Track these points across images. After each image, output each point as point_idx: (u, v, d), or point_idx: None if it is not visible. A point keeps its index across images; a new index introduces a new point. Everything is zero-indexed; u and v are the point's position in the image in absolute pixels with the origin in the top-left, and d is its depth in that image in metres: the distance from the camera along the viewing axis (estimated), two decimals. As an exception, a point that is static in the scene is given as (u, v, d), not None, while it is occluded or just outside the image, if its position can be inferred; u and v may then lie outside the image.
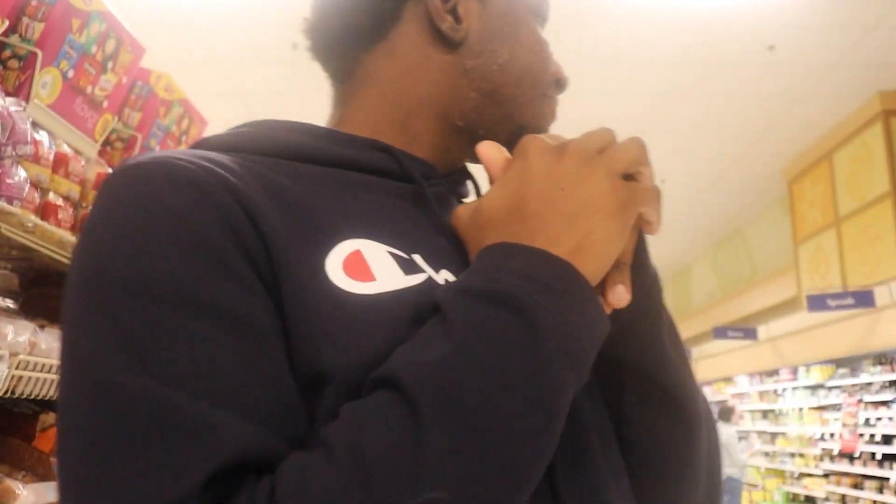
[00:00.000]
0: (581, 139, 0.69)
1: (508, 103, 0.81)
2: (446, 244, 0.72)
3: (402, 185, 0.76)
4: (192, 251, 0.57)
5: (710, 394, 13.17)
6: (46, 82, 1.76)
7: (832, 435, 9.51)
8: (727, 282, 12.87)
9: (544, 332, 0.56)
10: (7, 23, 1.63)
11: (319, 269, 0.62)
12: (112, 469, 0.50)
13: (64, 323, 0.58)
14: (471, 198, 0.87)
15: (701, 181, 9.96)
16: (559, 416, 0.56)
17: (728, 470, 9.32)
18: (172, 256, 0.56)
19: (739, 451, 9.57)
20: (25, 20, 1.70)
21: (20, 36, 1.71)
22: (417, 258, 0.68)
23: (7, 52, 1.71)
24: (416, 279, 0.66)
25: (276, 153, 0.73)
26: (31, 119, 1.66)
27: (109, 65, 1.99)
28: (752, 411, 11.44)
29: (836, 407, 9.57)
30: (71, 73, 1.84)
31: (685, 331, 14.86)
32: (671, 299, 16.22)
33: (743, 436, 11.21)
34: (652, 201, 0.69)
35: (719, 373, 12.99)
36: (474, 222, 0.69)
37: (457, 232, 0.72)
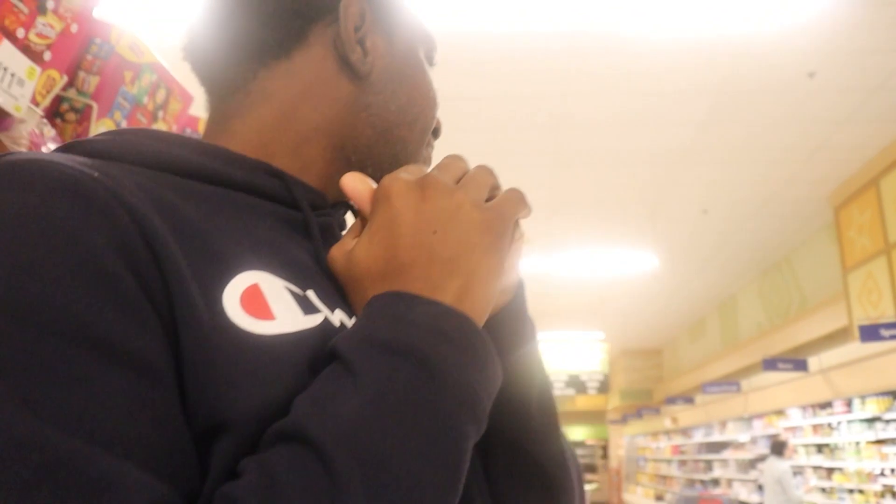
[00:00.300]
0: (438, 172, 0.69)
1: (397, 145, 0.81)
2: (334, 280, 0.70)
3: (290, 213, 0.73)
4: (81, 275, 0.50)
5: (762, 427, 12.86)
6: (102, 133, 1.80)
7: (893, 470, 9.21)
8: (775, 312, 12.64)
9: (449, 387, 0.55)
10: (66, 78, 1.68)
11: (217, 304, 0.56)
12: None
13: None
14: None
15: (745, 210, 9.83)
16: (464, 472, 0.54)
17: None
18: (59, 280, 0.49)
19: (794, 486, 9.31)
20: (82, 74, 1.75)
21: (77, 90, 1.76)
22: (311, 295, 0.65)
23: (65, 106, 1.76)
24: (314, 320, 0.62)
25: (161, 166, 0.66)
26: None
27: (160, 114, 2.03)
28: (805, 445, 11.14)
29: (895, 441, 9.28)
30: (124, 124, 1.88)
31: (733, 363, 14.59)
32: (718, 330, 15.98)
33: (798, 471, 10.90)
34: (520, 205, 0.72)
35: (770, 406, 12.69)
36: (350, 273, 0.67)
37: (335, 275, 0.70)
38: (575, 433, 26.85)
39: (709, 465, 15.95)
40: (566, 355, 18.56)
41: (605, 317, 16.79)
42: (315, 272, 0.68)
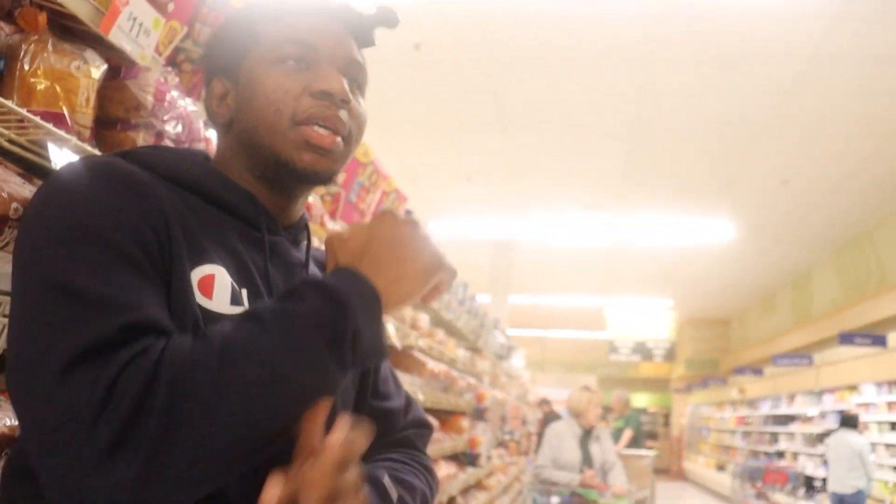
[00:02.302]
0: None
1: (262, 149, 1.06)
2: (266, 289, 1.04)
3: (252, 232, 1.07)
4: (126, 225, 0.89)
5: (832, 402, 12.63)
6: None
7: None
8: (852, 287, 12.33)
9: (326, 327, 0.87)
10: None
11: (187, 277, 0.93)
12: (67, 315, 0.81)
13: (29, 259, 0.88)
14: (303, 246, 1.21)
15: (826, 183, 9.58)
16: (320, 387, 0.88)
17: (857, 482, 8.91)
18: (113, 224, 0.88)
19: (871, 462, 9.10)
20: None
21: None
22: (244, 293, 1.00)
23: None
24: (235, 310, 0.97)
25: (176, 180, 1.03)
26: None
27: (372, 189, 2.15)
28: (879, 422, 10.92)
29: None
30: (354, 199, 2.01)
31: (804, 337, 14.32)
32: (790, 303, 15.67)
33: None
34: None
35: (843, 380, 12.45)
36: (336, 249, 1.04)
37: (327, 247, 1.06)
38: (638, 400, 26.75)
39: (774, 438, 15.76)
40: (634, 322, 18.43)
41: (676, 285, 16.61)
42: (256, 277, 1.04)
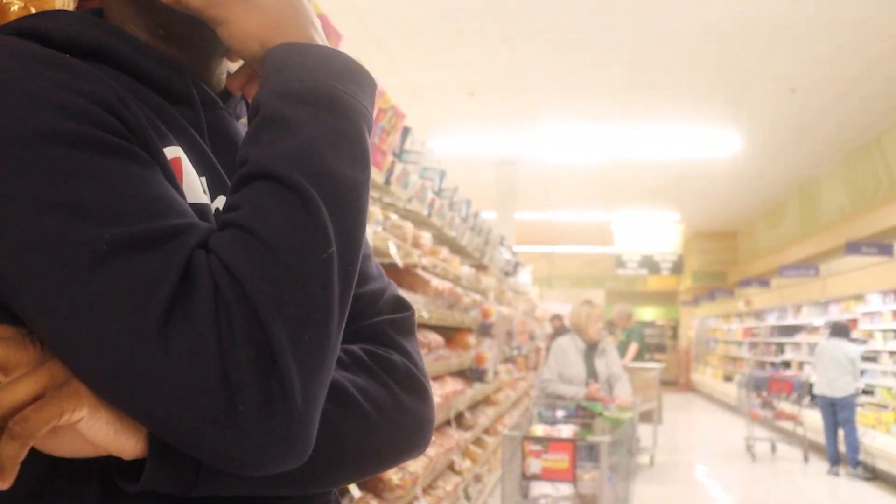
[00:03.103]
0: None
1: None
2: (220, 171, 0.89)
3: (184, 109, 0.89)
4: (92, 114, 0.71)
5: (838, 312, 12.71)
6: None
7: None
8: (860, 196, 12.25)
9: (351, 111, 0.79)
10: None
11: (167, 162, 0.78)
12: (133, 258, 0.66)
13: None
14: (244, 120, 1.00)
15: (835, 88, 9.41)
16: (369, 164, 0.81)
17: (849, 387, 9.11)
18: (76, 114, 0.70)
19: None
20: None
21: None
22: (203, 181, 0.85)
23: None
24: (204, 198, 0.84)
25: (86, 51, 0.82)
26: None
27: (392, 130, 2.20)
28: (884, 331, 10.99)
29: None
30: (376, 141, 2.09)
31: (812, 247, 14.31)
32: (798, 214, 15.62)
33: (873, 356, 10.82)
34: None
35: (849, 290, 12.49)
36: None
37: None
38: (646, 313, 27.00)
39: (780, 348, 15.94)
40: (641, 236, 18.43)
41: (682, 198, 16.54)
42: (214, 162, 0.89)
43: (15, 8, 1.38)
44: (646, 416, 8.99)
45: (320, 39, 0.85)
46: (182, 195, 0.78)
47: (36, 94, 0.70)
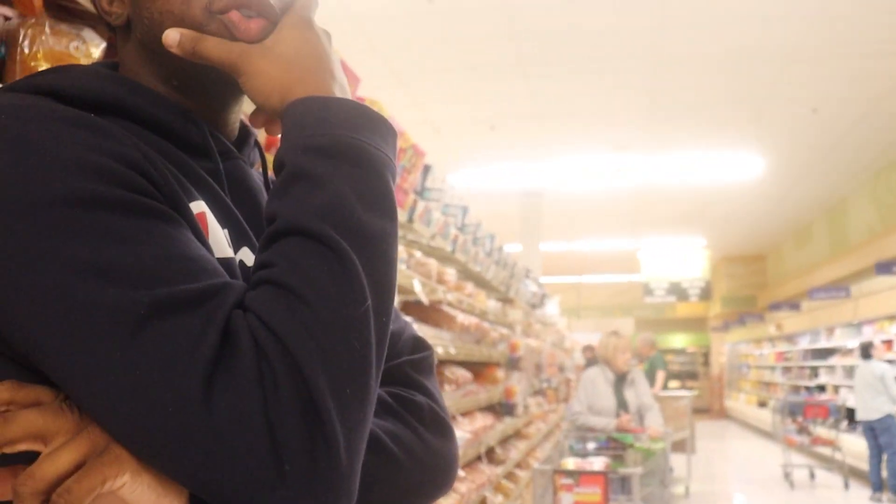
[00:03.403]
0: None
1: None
2: (242, 222, 0.90)
3: (201, 161, 0.89)
4: (117, 175, 0.71)
5: (872, 333, 12.51)
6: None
7: None
8: (888, 214, 12.11)
9: (375, 163, 0.79)
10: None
11: (194, 218, 0.79)
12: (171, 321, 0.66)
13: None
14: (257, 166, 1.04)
15: (858, 108, 9.37)
16: (397, 214, 0.81)
17: (883, 407, 8.94)
18: (102, 177, 0.70)
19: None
20: None
21: None
22: (226, 234, 0.86)
23: None
24: (229, 252, 0.84)
25: (104, 106, 0.82)
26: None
27: (412, 170, 2.27)
28: (919, 351, 10.81)
29: None
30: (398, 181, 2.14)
31: (842, 268, 14.14)
32: (826, 234, 15.46)
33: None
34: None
35: (882, 311, 12.30)
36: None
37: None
38: (676, 340, 26.72)
39: (814, 372, 15.69)
40: (667, 262, 18.32)
41: (707, 223, 16.45)
42: (229, 215, 0.88)
43: (42, 69, 1.43)
44: (679, 446, 8.88)
45: (340, 90, 0.86)
46: (210, 251, 0.78)
47: (65, 157, 0.70)
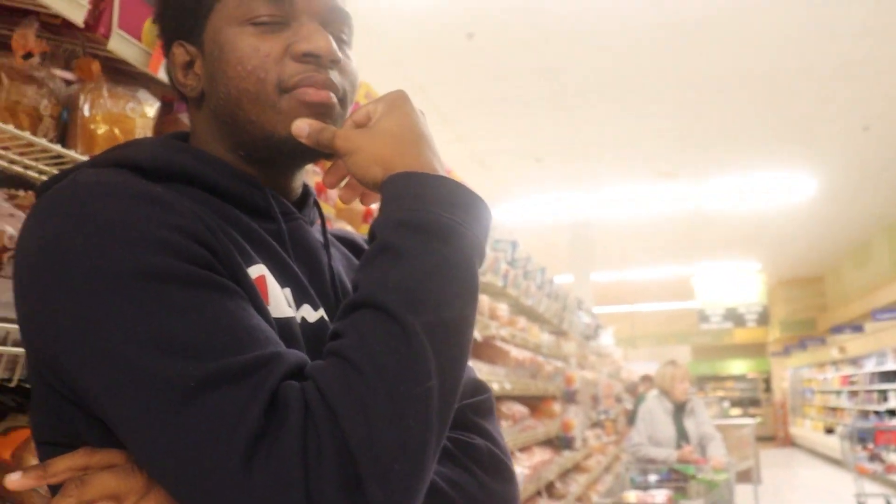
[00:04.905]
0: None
1: (249, 124, 0.92)
2: (303, 280, 0.93)
3: (264, 223, 0.94)
4: (183, 250, 0.76)
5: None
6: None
7: None
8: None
9: (465, 246, 0.81)
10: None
11: (252, 284, 0.82)
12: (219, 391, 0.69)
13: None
14: (317, 225, 1.07)
15: (912, 124, 9.17)
16: (477, 297, 0.82)
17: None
18: (174, 254, 0.75)
19: None
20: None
21: None
22: (287, 293, 0.89)
23: None
24: (290, 311, 0.88)
25: (174, 175, 0.89)
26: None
27: None
28: None
29: None
30: None
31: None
32: (887, 252, 15.08)
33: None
34: None
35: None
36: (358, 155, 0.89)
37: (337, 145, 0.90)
38: (734, 367, 26.17)
39: (883, 396, 15.20)
40: (722, 288, 18.03)
41: (761, 246, 16.17)
42: (291, 274, 0.92)
43: (101, 131, 1.50)
44: (744, 476, 8.66)
45: (440, 166, 0.89)
46: (267, 314, 0.81)
47: (132, 232, 0.75)
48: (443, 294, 0.77)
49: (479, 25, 6.43)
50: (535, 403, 5.70)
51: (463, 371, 0.78)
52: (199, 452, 0.67)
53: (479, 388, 1.00)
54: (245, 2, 0.91)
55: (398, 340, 0.73)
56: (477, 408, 0.97)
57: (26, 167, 1.33)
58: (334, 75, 0.93)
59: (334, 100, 0.92)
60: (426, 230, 0.80)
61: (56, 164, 1.36)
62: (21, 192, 1.34)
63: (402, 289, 0.76)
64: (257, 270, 0.86)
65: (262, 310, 0.81)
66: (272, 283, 0.87)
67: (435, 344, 0.74)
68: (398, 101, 0.92)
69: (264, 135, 0.91)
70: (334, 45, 0.91)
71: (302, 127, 0.89)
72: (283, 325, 0.83)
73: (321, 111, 0.91)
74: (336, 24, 0.95)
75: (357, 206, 2.51)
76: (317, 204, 1.07)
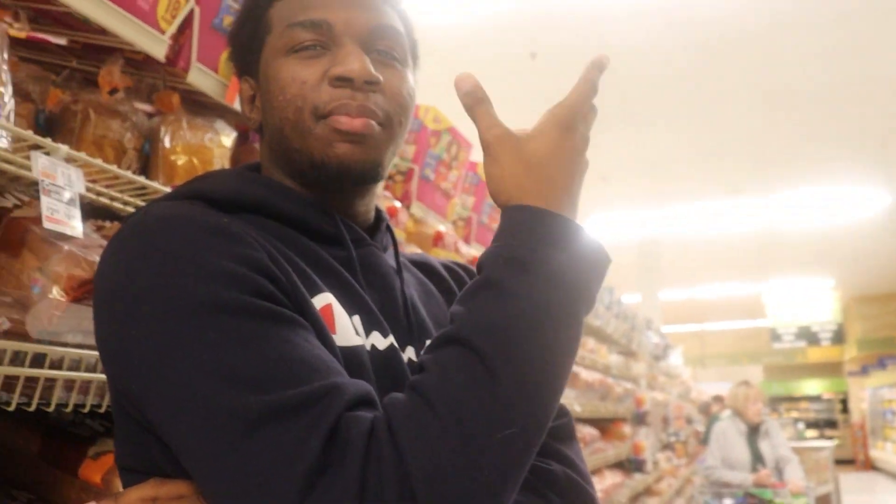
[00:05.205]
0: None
1: (294, 152, 0.93)
2: (373, 307, 0.91)
3: (333, 249, 0.93)
4: (247, 282, 0.76)
5: None
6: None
7: None
8: None
9: (571, 291, 0.77)
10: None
11: (317, 314, 0.81)
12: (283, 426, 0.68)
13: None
14: (390, 250, 1.04)
15: None
16: (578, 346, 0.78)
17: None
18: (239, 287, 0.75)
19: None
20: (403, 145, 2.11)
21: (400, 157, 2.31)
22: (356, 320, 0.88)
23: (392, 170, 2.29)
24: (358, 340, 0.86)
25: (245, 206, 0.90)
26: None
27: (454, 163, 2.74)
28: None
29: None
30: (432, 176, 2.64)
31: None
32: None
33: None
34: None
35: None
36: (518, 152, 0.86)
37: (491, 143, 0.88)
38: (809, 387, 25.40)
39: (969, 416, 14.58)
40: (794, 305, 17.57)
41: (834, 262, 15.71)
42: (360, 302, 0.90)
43: (181, 161, 1.54)
44: (823, 501, 8.37)
45: (570, 209, 0.85)
46: (332, 344, 0.81)
47: (199, 266, 0.76)
48: (538, 340, 0.74)
49: (541, 44, 6.43)
50: (604, 426, 5.62)
51: (550, 418, 0.75)
52: (258, 486, 0.67)
53: (559, 411, 0.96)
54: (287, 32, 0.92)
55: (482, 383, 0.70)
56: (556, 432, 0.94)
57: (112, 199, 1.37)
58: (375, 98, 0.91)
59: (373, 126, 0.90)
60: (535, 272, 0.76)
61: (139, 195, 1.40)
62: (108, 224, 1.39)
63: (497, 331, 0.73)
64: (324, 299, 0.85)
65: (326, 339, 0.80)
66: (339, 311, 0.86)
67: (524, 391, 0.71)
68: (565, 122, 0.88)
69: (311, 162, 0.91)
70: (369, 65, 0.90)
71: (467, 81, 0.91)
72: (350, 354, 0.83)
73: (355, 140, 0.90)
74: (383, 41, 0.94)
75: (428, 229, 2.56)
76: (389, 229, 1.06)
